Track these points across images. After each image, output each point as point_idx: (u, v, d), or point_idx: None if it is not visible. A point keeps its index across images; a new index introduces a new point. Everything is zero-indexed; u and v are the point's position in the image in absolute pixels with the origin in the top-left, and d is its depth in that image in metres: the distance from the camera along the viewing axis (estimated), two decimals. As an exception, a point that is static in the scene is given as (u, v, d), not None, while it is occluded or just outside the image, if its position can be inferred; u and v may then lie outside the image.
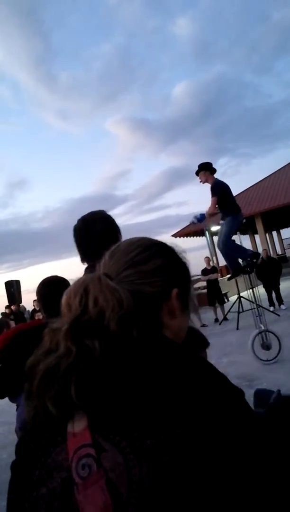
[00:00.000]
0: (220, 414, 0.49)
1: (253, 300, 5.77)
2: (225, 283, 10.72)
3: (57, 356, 0.52)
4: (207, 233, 16.76)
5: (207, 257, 10.83)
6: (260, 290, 7.89)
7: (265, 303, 8.26)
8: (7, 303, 11.29)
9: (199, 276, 10.07)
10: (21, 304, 11.54)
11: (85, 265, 1.45)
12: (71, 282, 0.60)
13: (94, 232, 1.42)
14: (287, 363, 5.02)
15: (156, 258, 0.64)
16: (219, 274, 10.97)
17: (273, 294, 9.47)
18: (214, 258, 14.82)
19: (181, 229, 18.22)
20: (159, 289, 0.62)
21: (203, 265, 10.29)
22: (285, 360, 5.08)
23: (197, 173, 5.12)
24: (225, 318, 9.52)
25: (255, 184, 20.62)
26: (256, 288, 6.24)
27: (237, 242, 5.53)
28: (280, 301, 9.40)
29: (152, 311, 0.62)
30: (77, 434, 0.50)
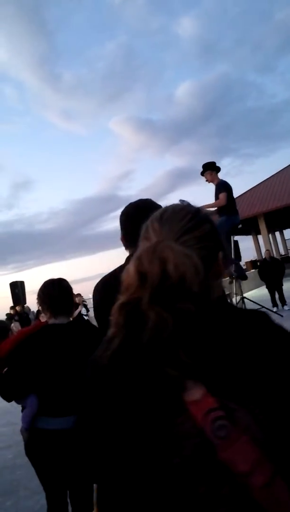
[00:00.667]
0: None
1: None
2: (226, 286, 10.67)
3: (152, 328, 0.52)
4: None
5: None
6: (264, 290, 7.86)
7: (268, 304, 8.22)
8: (12, 304, 11.34)
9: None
10: (25, 305, 11.59)
11: (127, 254, 1.43)
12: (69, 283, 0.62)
13: (146, 219, 1.42)
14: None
15: (205, 223, 0.67)
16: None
17: (276, 295, 9.46)
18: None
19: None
20: (210, 252, 0.65)
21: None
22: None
23: (203, 173, 5.20)
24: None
25: (258, 184, 20.58)
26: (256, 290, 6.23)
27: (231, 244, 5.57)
28: (283, 301, 9.37)
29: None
30: (199, 401, 0.53)
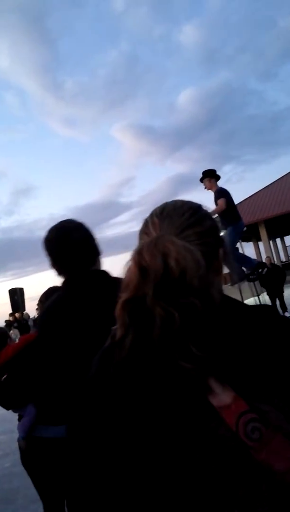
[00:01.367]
0: None
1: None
2: (228, 290, 10.68)
3: (161, 324, 0.51)
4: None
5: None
6: (265, 297, 7.85)
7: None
8: (10, 311, 11.31)
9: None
10: (24, 312, 11.55)
11: (62, 279, 1.35)
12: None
13: (71, 242, 1.32)
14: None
15: (206, 219, 0.66)
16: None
17: (277, 302, 9.44)
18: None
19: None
20: (211, 249, 0.64)
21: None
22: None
23: (202, 180, 5.22)
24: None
25: (259, 191, 20.63)
26: (261, 295, 6.23)
27: (239, 250, 5.55)
28: (284, 308, 9.35)
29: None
30: (231, 404, 0.53)
